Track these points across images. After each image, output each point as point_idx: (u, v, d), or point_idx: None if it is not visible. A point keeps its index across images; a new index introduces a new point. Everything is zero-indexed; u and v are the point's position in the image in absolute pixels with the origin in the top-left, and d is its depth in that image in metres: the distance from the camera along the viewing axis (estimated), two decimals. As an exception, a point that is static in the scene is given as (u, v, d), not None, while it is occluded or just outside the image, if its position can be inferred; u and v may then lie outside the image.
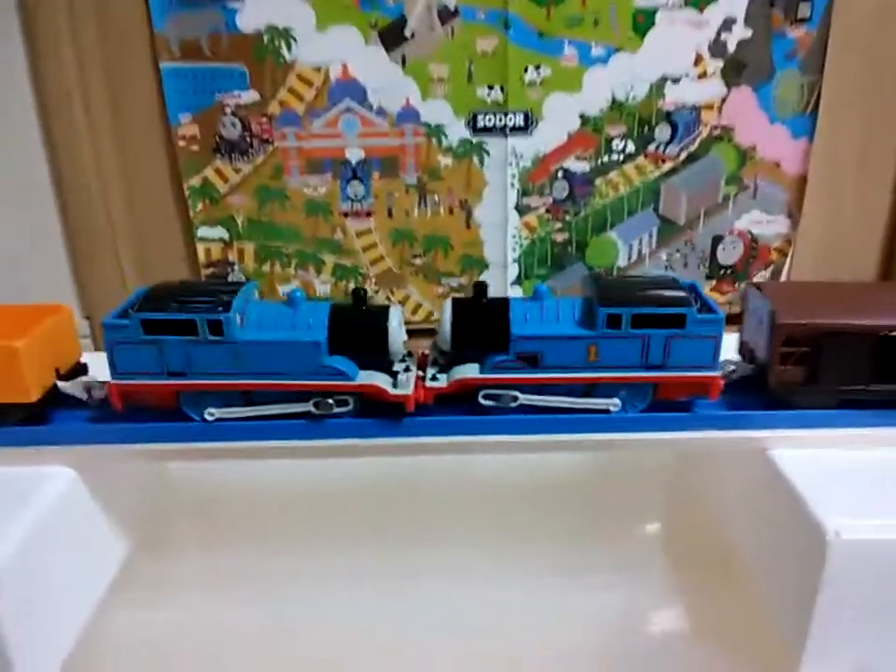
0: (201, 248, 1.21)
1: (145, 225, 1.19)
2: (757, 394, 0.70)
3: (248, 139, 1.16)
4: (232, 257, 1.22)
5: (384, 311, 0.68)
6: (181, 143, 1.15)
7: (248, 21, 1.10)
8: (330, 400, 0.67)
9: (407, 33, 1.12)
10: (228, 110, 1.14)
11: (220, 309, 0.65)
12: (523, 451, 0.69)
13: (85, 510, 0.70)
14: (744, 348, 0.75)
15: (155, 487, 0.82)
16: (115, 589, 0.72)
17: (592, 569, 0.76)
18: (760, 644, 0.68)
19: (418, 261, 1.23)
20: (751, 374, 0.72)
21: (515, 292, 1.25)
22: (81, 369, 0.75)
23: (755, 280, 1.27)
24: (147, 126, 1.14)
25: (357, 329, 0.67)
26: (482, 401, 0.68)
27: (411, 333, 1.23)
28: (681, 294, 0.67)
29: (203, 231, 1.20)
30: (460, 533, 0.79)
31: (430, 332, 0.72)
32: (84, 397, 0.71)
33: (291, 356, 0.66)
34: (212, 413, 0.67)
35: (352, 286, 1.24)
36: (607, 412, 0.69)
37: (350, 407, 0.68)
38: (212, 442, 0.68)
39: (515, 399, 0.68)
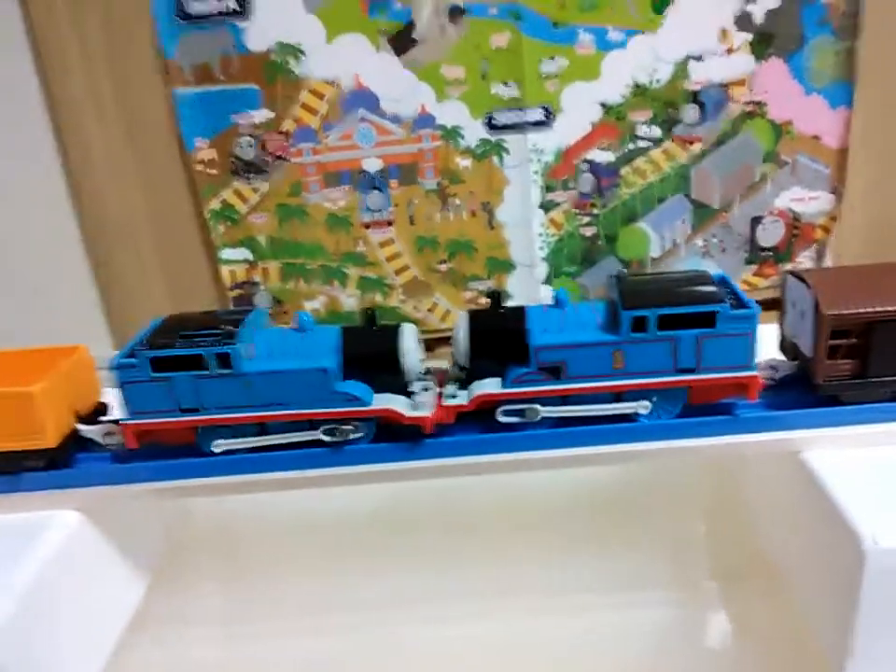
0: (225, 271, 1.20)
1: (169, 252, 1.18)
2: (803, 393, 0.65)
3: (265, 158, 1.14)
4: (257, 277, 1.20)
5: (395, 330, 0.65)
6: (198, 167, 1.14)
7: (257, 40, 1.09)
8: (346, 427, 0.65)
9: (417, 36, 1.09)
10: (243, 131, 1.13)
11: (227, 341, 0.63)
12: (549, 467, 0.65)
13: (95, 552, 0.68)
14: (785, 344, 0.69)
15: (173, 524, 0.81)
16: (133, 630, 0.70)
17: (631, 586, 0.72)
18: (804, 660, 0.63)
19: (444, 268, 1.20)
20: (796, 372, 0.66)
21: (546, 292, 1.20)
22: (102, 409, 0.74)
23: (799, 261, 1.20)
24: (165, 155, 1.13)
25: (369, 351, 0.65)
26: (501, 418, 0.64)
27: (441, 341, 1.21)
28: (711, 289, 0.62)
29: (226, 254, 1.19)
30: (491, 555, 0.75)
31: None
32: (102, 441, 0.69)
33: (303, 384, 0.63)
34: (219, 445, 0.65)
35: (379, 297, 1.21)
36: (636, 418, 0.65)
37: (366, 433, 0.65)
38: (225, 476, 0.66)
39: (538, 413, 0.64)
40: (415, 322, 1.22)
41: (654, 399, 0.64)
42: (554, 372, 0.63)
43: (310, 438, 0.65)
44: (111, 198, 1.13)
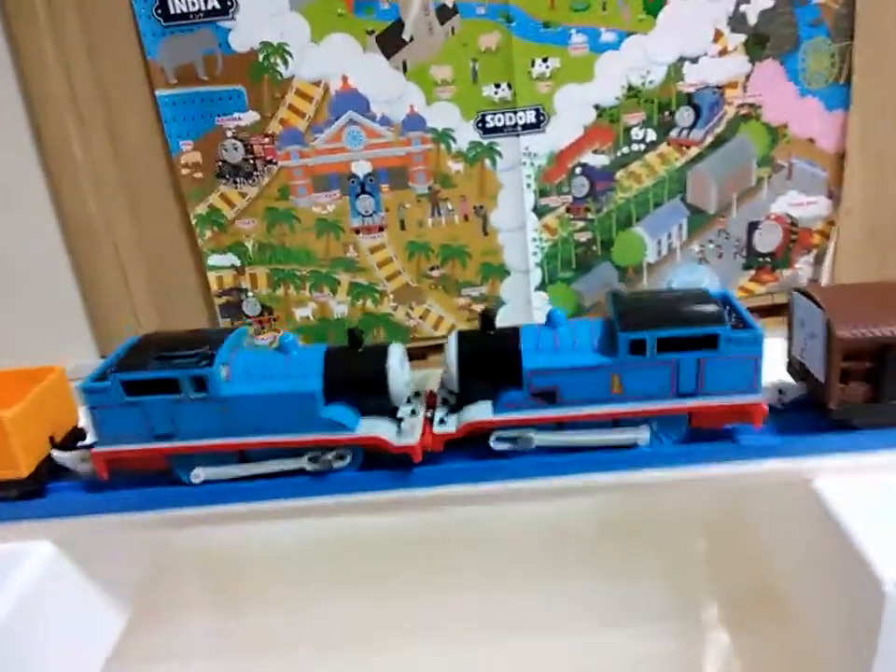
0: (212, 277, 1.15)
1: (154, 258, 1.13)
2: (813, 417, 0.61)
3: (252, 161, 1.09)
4: (245, 283, 1.15)
5: (381, 351, 0.60)
6: (184, 171, 1.09)
7: (242, 40, 1.03)
8: (330, 455, 0.60)
9: (405, 36, 1.04)
10: (229, 133, 1.07)
11: (204, 363, 0.58)
12: (545, 497, 0.60)
13: (71, 584, 0.64)
14: (794, 365, 0.64)
15: (153, 553, 0.76)
16: (114, 665, 0.65)
17: (634, 618, 0.67)
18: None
19: (436, 273, 1.15)
20: (805, 394, 0.62)
21: (539, 298, 1.16)
22: (79, 433, 0.69)
23: (798, 266, 1.15)
24: (149, 158, 1.08)
25: (354, 374, 0.60)
26: (494, 445, 0.60)
27: (434, 349, 1.17)
28: (712, 309, 0.58)
29: (213, 260, 1.14)
30: (487, 585, 0.70)
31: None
32: (78, 468, 0.65)
33: (285, 409, 0.59)
34: (198, 476, 0.60)
35: (370, 304, 1.17)
36: (634, 445, 0.60)
37: (351, 460, 0.61)
38: (205, 507, 0.61)
39: (532, 440, 0.60)
40: (407, 329, 1.18)
41: (654, 425, 0.60)
42: (548, 397, 0.59)
43: (293, 466, 0.61)
44: (93, 203, 1.08)
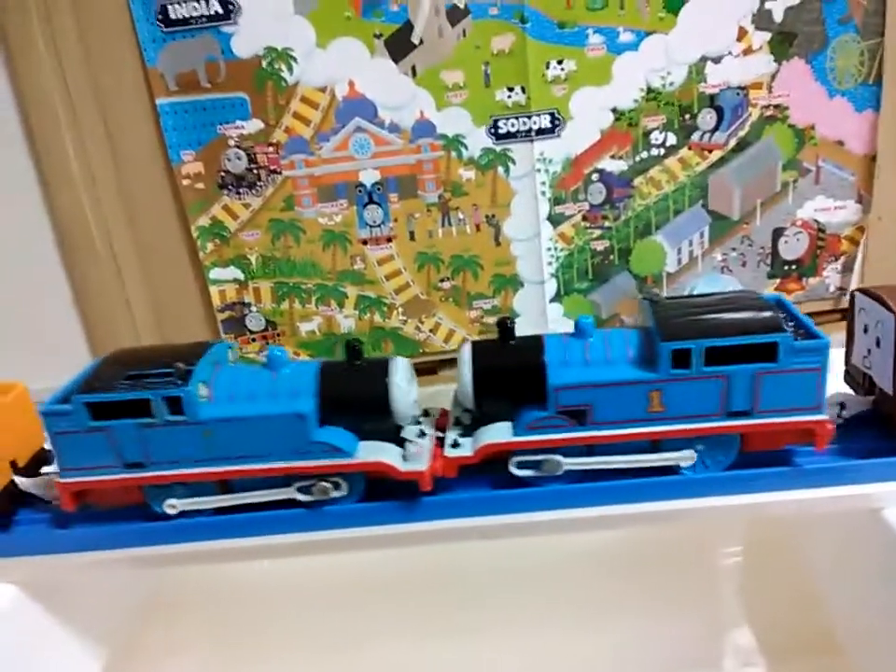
0: (214, 291, 1.05)
1: (154, 272, 1.04)
2: (880, 435, 0.50)
3: (255, 171, 1.00)
4: (248, 297, 1.06)
5: (383, 365, 0.50)
6: (185, 182, 1.00)
7: (245, 46, 0.95)
8: (326, 483, 0.50)
9: (415, 39, 0.95)
10: (231, 142, 0.99)
11: (179, 382, 0.48)
12: (574, 530, 0.50)
13: (38, 630, 0.53)
14: (854, 376, 0.54)
15: (133, 591, 0.65)
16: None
17: (668, 665, 0.56)
18: None
19: (447, 285, 1.06)
20: (869, 410, 0.51)
21: (555, 310, 1.06)
22: (46, 457, 0.58)
23: (825, 275, 1.05)
24: (149, 168, 0.99)
25: (352, 391, 0.50)
26: (514, 471, 0.49)
27: (445, 363, 1.07)
28: (768, 315, 0.47)
29: (215, 273, 1.05)
30: (504, 626, 0.59)
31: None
32: (45, 495, 0.55)
33: (273, 433, 0.49)
34: (173, 507, 0.50)
35: (378, 318, 1.07)
36: (678, 471, 0.50)
37: (350, 490, 0.50)
38: (185, 543, 0.51)
39: (559, 465, 0.49)
40: (417, 343, 1.08)
41: (700, 447, 0.49)
42: (578, 417, 0.48)
43: (283, 497, 0.50)
44: (91, 216, 0.99)
